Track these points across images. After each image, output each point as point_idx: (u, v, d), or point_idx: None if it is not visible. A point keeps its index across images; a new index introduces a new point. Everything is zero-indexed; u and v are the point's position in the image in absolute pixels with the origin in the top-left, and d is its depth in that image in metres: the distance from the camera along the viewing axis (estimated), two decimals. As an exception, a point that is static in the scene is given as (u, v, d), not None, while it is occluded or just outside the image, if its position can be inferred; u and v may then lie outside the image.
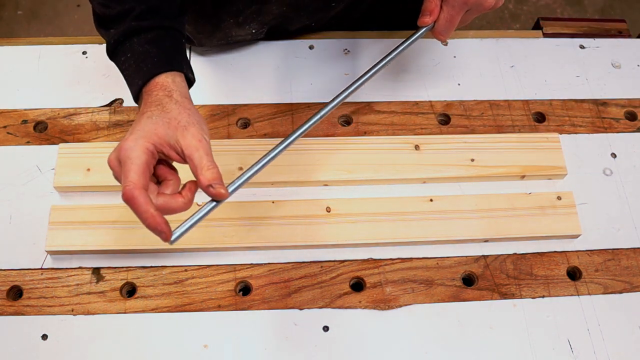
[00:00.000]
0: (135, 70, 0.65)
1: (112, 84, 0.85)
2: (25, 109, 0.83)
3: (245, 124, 0.84)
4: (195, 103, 0.84)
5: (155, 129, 0.59)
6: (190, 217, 0.59)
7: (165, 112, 0.61)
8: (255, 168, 0.63)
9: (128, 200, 0.56)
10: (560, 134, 0.85)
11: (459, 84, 0.89)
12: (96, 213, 0.75)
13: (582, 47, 0.94)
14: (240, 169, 0.78)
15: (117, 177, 0.61)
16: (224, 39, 0.87)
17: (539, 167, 0.81)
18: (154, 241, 0.73)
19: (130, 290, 0.73)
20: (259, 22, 0.85)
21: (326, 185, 0.80)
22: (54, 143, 0.81)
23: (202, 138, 0.60)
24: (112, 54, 0.68)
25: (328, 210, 0.77)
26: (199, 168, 0.59)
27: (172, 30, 0.68)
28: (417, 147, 0.81)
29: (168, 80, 0.64)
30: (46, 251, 0.73)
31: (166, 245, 0.73)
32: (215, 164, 0.59)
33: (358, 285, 0.75)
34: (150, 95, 0.63)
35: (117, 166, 0.61)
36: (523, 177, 0.81)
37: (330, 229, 0.75)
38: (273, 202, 0.77)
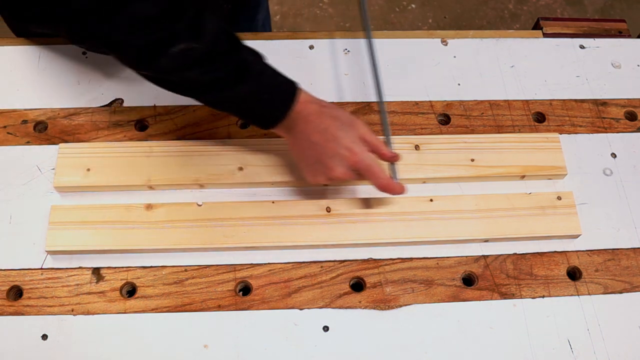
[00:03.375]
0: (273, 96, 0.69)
1: (112, 84, 0.85)
2: (25, 109, 0.83)
3: (245, 124, 0.84)
4: (195, 103, 0.85)
5: (353, 132, 0.70)
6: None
7: (339, 118, 0.70)
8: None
9: (386, 189, 0.71)
10: (560, 134, 0.85)
11: (459, 84, 0.89)
12: (96, 213, 0.75)
13: (582, 47, 0.94)
14: (240, 169, 0.78)
15: (351, 179, 0.71)
16: None
17: (539, 167, 0.81)
18: (154, 241, 0.74)
19: (130, 290, 0.74)
20: None
21: (326, 185, 0.80)
22: (54, 143, 0.81)
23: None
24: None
25: (328, 210, 0.77)
26: (378, 144, 0.72)
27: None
28: (417, 147, 0.81)
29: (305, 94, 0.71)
30: (46, 251, 0.73)
31: (166, 245, 0.74)
32: (379, 139, 0.73)
33: (358, 285, 0.75)
34: (306, 109, 0.69)
35: (353, 174, 0.71)
36: (523, 177, 0.81)
37: (330, 229, 0.75)
38: (273, 202, 0.77)
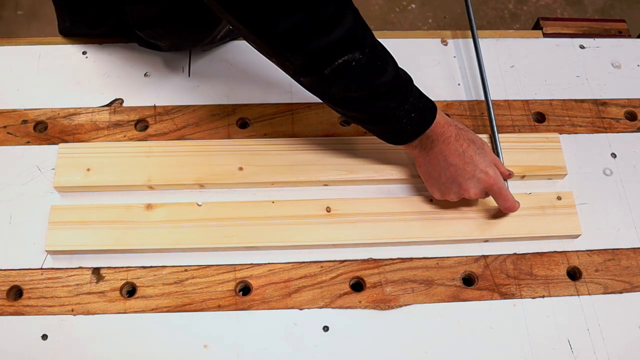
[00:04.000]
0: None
1: (112, 84, 0.85)
2: (25, 109, 0.83)
3: (245, 124, 0.84)
4: (195, 103, 0.85)
5: (488, 156, 0.74)
6: None
7: (475, 142, 0.73)
8: None
9: (512, 209, 0.75)
10: (560, 134, 0.85)
11: (459, 84, 0.89)
12: (96, 213, 0.75)
13: (582, 47, 0.94)
14: (241, 169, 0.78)
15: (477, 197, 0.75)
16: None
17: (539, 167, 0.81)
18: (154, 241, 0.74)
19: (130, 290, 0.74)
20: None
21: (326, 185, 0.80)
22: (54, 143, 0.81)
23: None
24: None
25: (328, 210, 0.77)
26: (501, 167, 0.76)
27: None
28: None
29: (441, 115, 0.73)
30: (46, 251, 0.73)
31: (166, 245, 0.74)
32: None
33: (358, 285, 0.75)
34: (447, 132, 0.72)
35: (484, 195, 0.75)
36: (523, 177, 0.81)
37: (330, 229, 0.75)
38: (273, 202, 0.77)
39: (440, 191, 0.75)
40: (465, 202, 0.78)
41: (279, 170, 0.78)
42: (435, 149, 0.72)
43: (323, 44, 0.60)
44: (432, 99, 0.87)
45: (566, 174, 0.81)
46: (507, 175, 0.76)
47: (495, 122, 0.82)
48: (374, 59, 0.65)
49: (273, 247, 0.75)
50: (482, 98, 0.87)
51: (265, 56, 0.65)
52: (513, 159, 0.81)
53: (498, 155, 0.80)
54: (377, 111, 0.68)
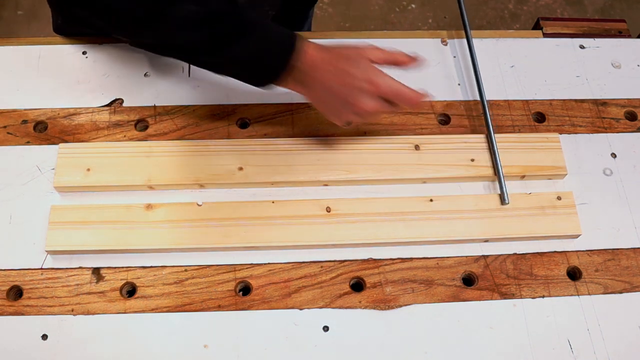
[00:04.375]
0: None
1: (112, 84, 0.85)
2: (25, 109, 0.83)
3: (245, 124, 0.84)
4: (195, 103, 0.85)
5: (366, 63, 0.70)
6: None
7: (348, 56, 0.70)
8: None
9: (419, 101, 0.70)
10: (560, 134, 0.85)
11: (459, 84, 0.89)
12: (96, 213, 0.75)
13: (582, 47, 0.94)
14: (240, 169, 0.78)
15: (386, 111, 0.72)
16: None
17: (539, 167, 0.81)
18: (154, 241, 0.74)
19: (130, 290, 0.74)
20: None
21: (326, 185, 0.80)
22: (54, 143, 0.81)
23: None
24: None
25: (328, 210, 0.77)
26: (396, 56, 0.72)
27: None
28: (417, 147, 0.81)
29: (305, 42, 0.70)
30: (46, 251, 0.73)
31: (166, 245, 0.74)
32: (392, 50, 0.72)
33: (358, 285, 0.75)
34: (314, 58, 0.69)
35: (383, 104, 0.70)
36: (523, 177, 0.81)
37: (330, 229, 0.75)
38: (273, 202, 0.77)
39: (340, 117, 0.72)
40: (465, 202, 0.78)
41: (278, 170, 0.78)
42: (312, 80, 0.70)
43: None
44: (432, 99, 0.87)
45: (566, 174, 0.81)
46: (411, 61, 0.72)
47: (492, 123, 0.82)
48: (216, 7, 0.65)
49: (273, 247, 0.75)
50: (482, 98, 0.88)
51: (115, 33, 0.67)
52: (513, 159, 0.81)
53: (495, 157, 0.79)
54: (228, 59, 0.68)
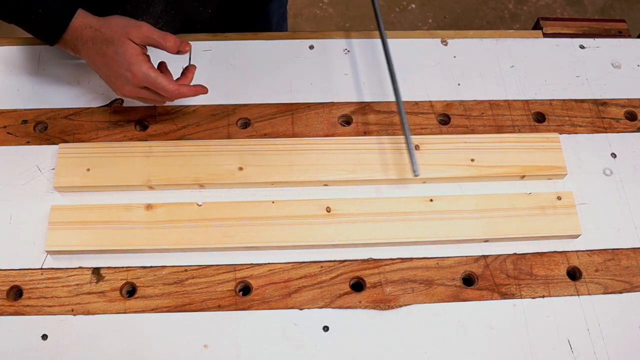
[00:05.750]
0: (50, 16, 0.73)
1: (112, 84, 0.85)
2: (25, 109, 0.83)
3: (245, 124, 0.84)
4: (195, 103, 0.85)
5: (130, 51, 0.72)
6: None
7: (112, 40, 0.72)
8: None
9: (178, 96, 0.74)
10: (560, 134, 0.85)
11: (459, 84, 0.89)
12: (96, 213, 0.75)
13: (582, 47, 0.94)
14: (240, 169, 0.78)
15: (149, 99, 0.75)
16: None
17: (539, 167, 0.81)
18: (154, 241, 0.74)
19: (130, 290, 0.74)
20: (150, 15, 0.87)
21: (326, 185, 0.80)
22: (54, 143, 0.81)
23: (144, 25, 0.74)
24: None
25: (328, 210, 0.77)
26: (161, 40, 0.73)
27: None
28: (417, 147, 0.81)
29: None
30: (46, 251, 0.73)
31: (166, 245, 0.74)
32: (165, 33, 0.73)
33: (358, 285, 0.75)
34: (82, 35, 0.74)
35: (144, 91, 0.74)
36: (523, 177, 0.81)
37: (330, 229, 0.75)
38: (273, 202, 0.77)
39: (112, 89, 0.76)
40: (465, 202, 0.78)
41: (278, 170, 0.78)
42: (82, 52, 0.75)
43: None
44: (432, 99, 0.87)
45: (566, 174, 0.81)
46: (177, 46, 0.74)
47: (407, 123, 0.79)
48: None
49: (273, 247, 0.75)
50: (483, 98, 0.88)
51: None
52: (513, 159, 0.81)
53: (411, 157, 0.77)
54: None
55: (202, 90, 0.76)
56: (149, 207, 0.76)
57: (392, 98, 0.86)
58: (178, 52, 0.74)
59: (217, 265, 0.74)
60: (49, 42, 0.75)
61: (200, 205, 0.76)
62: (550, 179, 0.82)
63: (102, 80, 0.77)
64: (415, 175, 0.76)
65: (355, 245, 0.76)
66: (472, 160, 0.81)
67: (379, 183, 0.80)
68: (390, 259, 0.76)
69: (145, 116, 0.83)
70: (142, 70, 0.72)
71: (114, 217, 0.75)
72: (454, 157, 0.81)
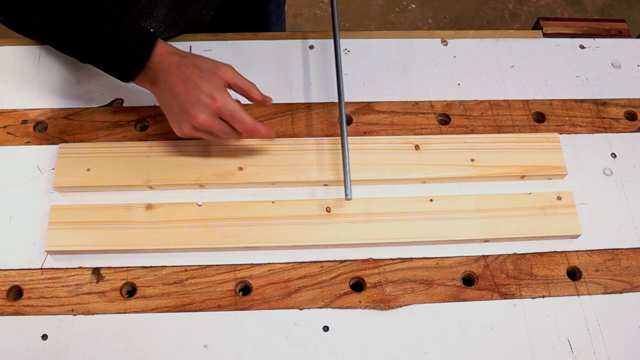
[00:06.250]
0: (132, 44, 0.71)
1: (112, 84, 0.85)
2: (25, 109, 0.83)
3: (245, 124, 0.84)
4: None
5: (216, 80, 0.70)
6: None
7: (200, 66, 0.71)
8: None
9: (253, 131, 0.72)
10: (560, 134, 0.85)
11: (459, 84, 0.89)
12: (96, 213, 0.75)
13: (582, 47, 0.94)
14: (240, 169, 0.78)
15: (220, 132, 0.72)
16: None
17: (539, 167, 0.81)
18: (154, 241, 0.74)
19: (130, 290, 0.74)
20: (153, 20, 0.86)
21: (326, 185, 0.80)
22: (54, 143, 0.81)
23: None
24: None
25: (328, 210, 0.77)
26: (248, 89, 0.73)
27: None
28: (417, 147, 0.81)
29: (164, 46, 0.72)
30: (46, 251, 0.73)
31: (166, 245, 0.74)
32: (250, 83, 0.74)
33: (358, 285, 0.75)
34: (167, 60, 0.71)
35: (218, 122, 0.71)
36: (523, 177, 0.81)
37: (330, 229, 0.75)
38: (273, 202, 0.77)
39: (176, 124, 0.72)
40: (465, 202, 0.78)
41: (279, 170, 0.78)
42: (159, 80, 0.71)
43: None
44: (432, 99, 0.87)
45: (566, 174, 0.81)
46: (261, 100, 0.73)
47: (346, 128, 0.78)
48: None
49: (273, 247, 0.75)
50: (483, 98, 0.88)
51: None
52: (513, 159, 0.81)
53: (344, 163, 0.75)
54: (80, 46, 0.71)
55: (272, 134, 0.74)
56: (149, 207, 0.76)
57: (392, 98, 0.87)
58: (260, 102, 0.74)
59: (217, 265, 0.74)
60: (131, 72, 0.72)
61: (200, 205, 0.76)
62: (550, 178, 0.82)
63: (169, 121, 0.73)
64: (347, 199, 0.73)
65: (355, 245, 0.76)
66: (472, 160, 0.81)
67: (379, 183, 0.80)
68: (390, 259, 0.76)
69: (145, 116, 0.83)
70: (224, 97, 0.69)
71: (114, 217, 0.75)
72: (454, 157, 0.81)
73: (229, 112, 0.70)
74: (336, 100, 0.86)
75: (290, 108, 0.85)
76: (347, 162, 0.75)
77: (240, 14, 1.01)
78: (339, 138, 0.82)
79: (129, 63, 0.71)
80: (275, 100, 0.85)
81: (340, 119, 0.78)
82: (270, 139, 0.76)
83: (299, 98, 0.86)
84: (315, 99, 0.86)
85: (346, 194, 0.74)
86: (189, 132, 0.71)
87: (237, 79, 0.72)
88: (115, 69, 0.73)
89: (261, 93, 0.74)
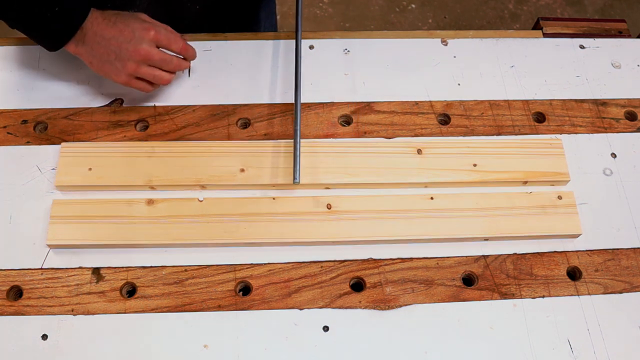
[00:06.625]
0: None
1: (112, 84, 0.85)
2: (25, 109, 0.83)
3: (245, 124, 0.84)
4: (195, 103, 0.85)
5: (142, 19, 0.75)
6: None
7: (123, 14, 0.75)
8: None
9: (187, 50, 0.79)
10: (560, 134, 0.85)
11: (459, 84, 0.89)
12: (97, 207, 0.75)
13: (582, 47, 0.94)
14: (242, 170, 0.78)
15: (161, 60, 0.76)
16: None
17: (541, 173, 0.80)
18: (155, 236, 0.74)
19: (130, 290, 0.74)
20: (136, 9, 0.87)
21: (327, 188, 0.79)
22: (54, 143, 0.81)
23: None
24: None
25: (329, 207, 0.77)
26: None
27: None
28: (419, 151, 0.81)
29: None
30: (47, 245, 0.73)
31: (166, 241, 0.74)
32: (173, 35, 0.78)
33: (358, 285, 0.75)
34: (96, 19, 0.74)
35: (157, 52, 0.75)
36: (525, 182, 0.81)
37: (331, 226, 0.75)
38: (274, 199, 0.77)
39: (117, 69, 0.75)
40: (465, 201, 0.78)
41: (280, 172, 0.78)
42: (89, 34, 0.73)
43: None
44: (432, 99, 0.87)
45: (569, 180, 0.81)
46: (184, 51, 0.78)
47: (300, 128, 0.78)
48: None
49: (273, 243, 0.75)
50: (483, 98, 0.88)
51: None
52: (515, 165, 0.81)
53: (295, 162, 0.75)
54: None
55: (195, 53, 0.79)
56: (150, 202, 0.76)
57: (392, 98, 0.87)
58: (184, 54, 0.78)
59: (217, 265, 0.74)
60: (60, 41, 0.74)
61: (201, 201, 0.76)
62: (552, 184, 0.81)
63: (107, 74, 0.76)
64: (295, 182, 0.74)
65: (356, 243, 0.76)
66: (475, 165, 0.80)
67: (380, 187, 0.80)
68: (390, 259, 0.76)
69: (145, 116, 0.83)
70: (155, 26, 0.74)
71: (115, 212, 0.75)
72: (456, 162, 0.80)
73: (164, 35, 0.75)
74: (336, 100, 0.86)
75: (290, 108, 0.85)
76: (298, 148, 0.76)
77: (229, 9, 1.01)
78: (341, 141, 0.82)
79: (61, 28, 0.72)
80: (275, 100, 0.86)
81: (296, 101, 0.80)
82: (193, 58, 0.80)
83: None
84: (315, 99, 0.86)
85: (295, 177, 0.74)
86: (132, 71, 0.75)
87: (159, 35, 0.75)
88: (45, 36, 0.74)
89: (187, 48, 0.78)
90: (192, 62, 0.83)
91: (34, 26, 0.73)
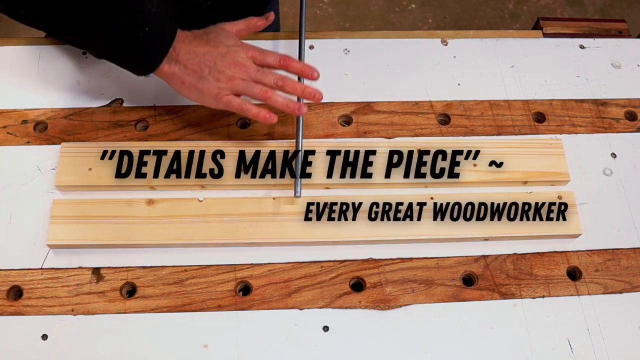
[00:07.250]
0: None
1: (112, 84, 0.85)
2: (25, 109, 0.83)
3: (245, 124, 0.84)
4: (195, 103, 0.85)
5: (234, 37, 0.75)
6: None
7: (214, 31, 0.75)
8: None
9: (288, 64, 0.76)
10: (560, 134, 0.85)
11: (459, 84, 0.89)
12: (97, 207, 0.75)
13: (582, 47, 0.94)
14: (242, 170, 0.78)
15: (256, 72, 0.74)
16: None
17: (541, 173, 0.80)
18: (155, 236, 0.74)
19: (130, 290, 0.74)
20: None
21: (328, 188, 0.79)
22: (54, 143, 0.81)
23: None
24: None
25: (329, 207, 0.77)
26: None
27: None
28: (419, 151, 0.81)
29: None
30: (47, 245, 0.73)
31: (166, 241, 0.74)
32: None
33: (358, 285, 0.75)
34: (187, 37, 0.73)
35: (253, 65, 0.74)
36: (525, 182, 0.81)
37: (331, 225, 0.75)
38: (274, 199, 0.77)
39: (212, 85, 0.72)
40: (465, 200, 0.78)
41: (280, 173, 0.78)
42: (182, 52, 0.71)
43: None
44: (432, 99, 0.87)
45: (569, 181, 0.81)
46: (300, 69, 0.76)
47: (302, 133, 0.78)
48: None
49: (273, 243, 0.75)
50: (483, 98, 0.88)
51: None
52: (515, 165, 0.81)
53: (296, 176, 0.75)
54: (96, 40, 0.69)
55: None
56: (150, 202, 0.76)
57: (393, 98, 0.87)
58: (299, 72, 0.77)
59: (217, 265, 0.74)
60: (154, 60, 0.71)
61: (201, 201, 0.76)
62: (552, 185, 0.82)
63: (197, 83, 0.72)
64: (296, 197, 0.74)
65: (356, 243, 0.76)
66: (475, 165, 0.80)
67: (381, 187, 0.79)
68: (390, 259, 0.76)
69: (145, 116, 0.83)
70: (246, 44, 0.73)
71: (115, 212, 0.75)
72: (456, 162, 0.80)
73: (257, 50, 0.73)
74: (336, 100, 0.86)
75: (290, 108, 0.85)
76: (300, 161, 0.76)
77: (240, 4, 1.01)
78: (341, 140, 0.82)
79: (155, 48, 0.70)
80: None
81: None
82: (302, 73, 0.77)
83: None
84: (315, 99, 0.86)
85: (295, 192, 0.74)
86: (226, 84, 0.72)
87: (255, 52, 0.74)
88: (139, 58, 0.71)
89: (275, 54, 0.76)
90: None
91: (127, 51, 0.71)
